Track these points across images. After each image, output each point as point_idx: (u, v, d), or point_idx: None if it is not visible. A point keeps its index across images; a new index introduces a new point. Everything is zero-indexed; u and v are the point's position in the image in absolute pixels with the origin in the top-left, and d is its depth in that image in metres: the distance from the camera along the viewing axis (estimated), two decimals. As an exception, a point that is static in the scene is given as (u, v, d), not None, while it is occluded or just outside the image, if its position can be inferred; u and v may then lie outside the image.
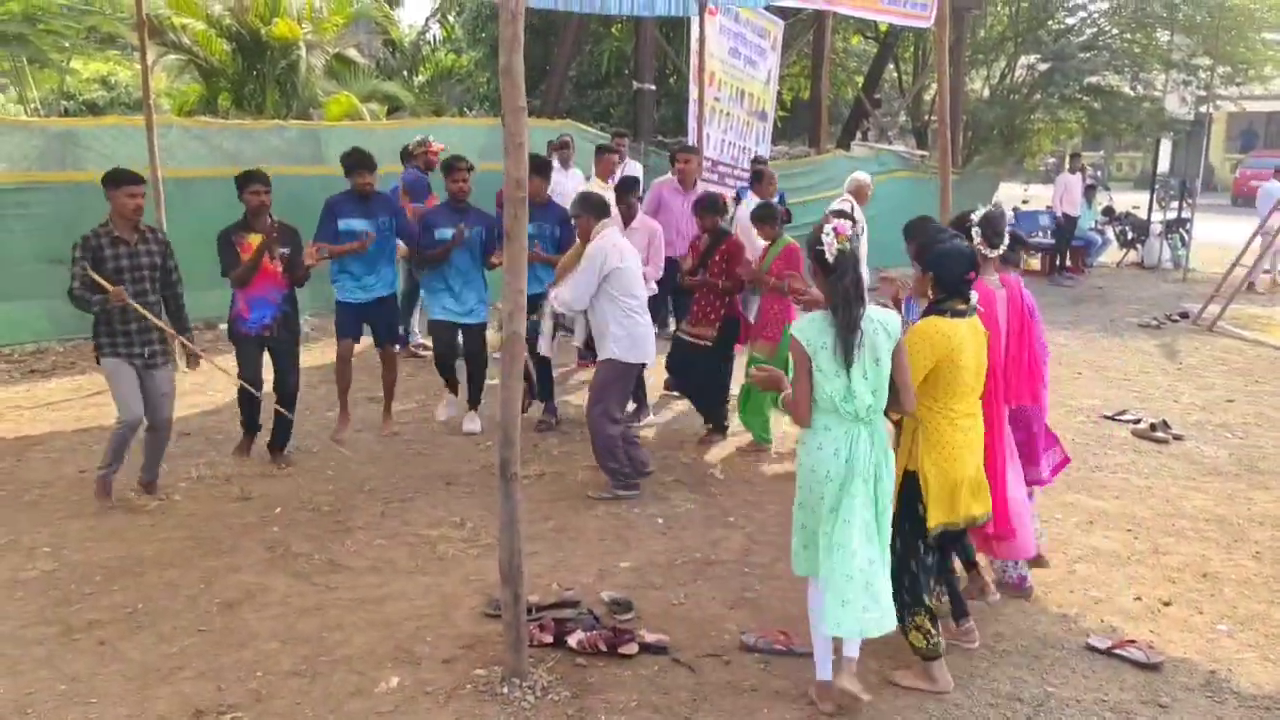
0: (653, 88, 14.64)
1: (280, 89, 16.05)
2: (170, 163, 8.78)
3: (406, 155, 9.10)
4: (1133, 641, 4.19)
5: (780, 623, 4.34)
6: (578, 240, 6.02)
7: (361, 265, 6.57)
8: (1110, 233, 17.33)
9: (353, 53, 18.23)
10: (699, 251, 6.91)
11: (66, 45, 15.75)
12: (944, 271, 3.79)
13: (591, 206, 5.86)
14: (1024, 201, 18.53)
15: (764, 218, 6.81)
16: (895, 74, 22.60)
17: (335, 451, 6.55)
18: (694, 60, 12.12)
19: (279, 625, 4.26)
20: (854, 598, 3.47)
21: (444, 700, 3.71)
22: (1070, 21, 21.92)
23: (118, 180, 5.36)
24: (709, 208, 6.87)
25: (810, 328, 3.57)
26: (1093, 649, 4.18)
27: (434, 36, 22.72)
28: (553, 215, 7.08)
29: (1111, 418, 7.81)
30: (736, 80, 13.14)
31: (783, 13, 13.91)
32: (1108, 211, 17.45)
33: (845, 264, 3.52)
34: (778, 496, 6.00)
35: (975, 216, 4.31)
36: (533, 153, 6.16)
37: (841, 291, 3.49)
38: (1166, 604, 4.67)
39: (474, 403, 7.13)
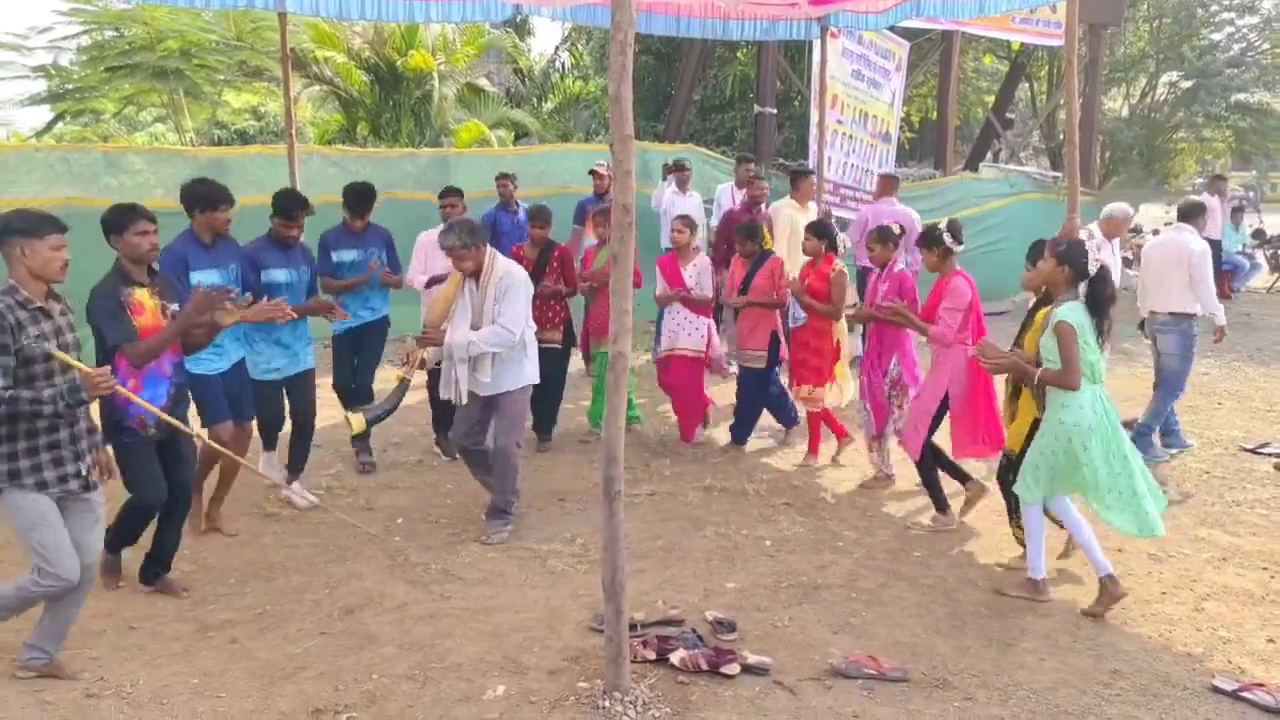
0: (773, 111, 14.66)
1: (415, 118, 16.69)
2: (310, 189, 9.22)
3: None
4: (1262, 685, 3.98)
5: (886, 649, 4.29)
6: (452, 272, 5.61)
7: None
8: (1260, 256, 16.48)
9: (483, 81, 18.82)
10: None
11: (219, 78, 16.73)
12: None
13: (480, 234, 5.47)
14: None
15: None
16: (1028, 93, 22.04)
17: (454, 467, 6.76)
18: (815, 83, 12.10)
19: (395, 631, 4.43)
20: (1148, 505, 4.73)
21: (547, 710, 3.80)
22: (1216, 37, 21.03)
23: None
24: (541, 218, 7.19)
25: (1074, 314, 4.64)
26: (1218, 690, 4.00)
27: (563, 64, 23.27)
28: (378, 239, 6.80)
29: (1253, 450, 7.43)
30: (859, 102, 13.04)
31: (908, 34, 13.76)
32: (1258, 234, 16.63)
33: (1104, 273, 4.74)
34: (889, 522, 5.93)
35: (942, 224, 5.82)
36: (359, 182, 6.87)
37: (1104, 290, 4.74)
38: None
39: (297, 469, 6.16)
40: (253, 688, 3.95)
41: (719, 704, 3.87)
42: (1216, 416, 8.45)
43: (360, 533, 5.55)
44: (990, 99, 21.33)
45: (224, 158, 10.25)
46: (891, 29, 12.53)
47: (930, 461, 5.85)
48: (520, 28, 21.52)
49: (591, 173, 9.84)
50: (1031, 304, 5.53)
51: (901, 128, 15.28)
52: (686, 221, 7.41)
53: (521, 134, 18.44)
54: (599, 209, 7.61)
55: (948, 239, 5.72)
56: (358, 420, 5.67)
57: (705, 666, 4.08)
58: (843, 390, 7.04)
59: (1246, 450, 7.44)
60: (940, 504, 5.87)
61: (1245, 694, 3.93)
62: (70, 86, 16.30)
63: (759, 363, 7.10)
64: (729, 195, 10.37)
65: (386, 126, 16.72)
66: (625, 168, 3.58)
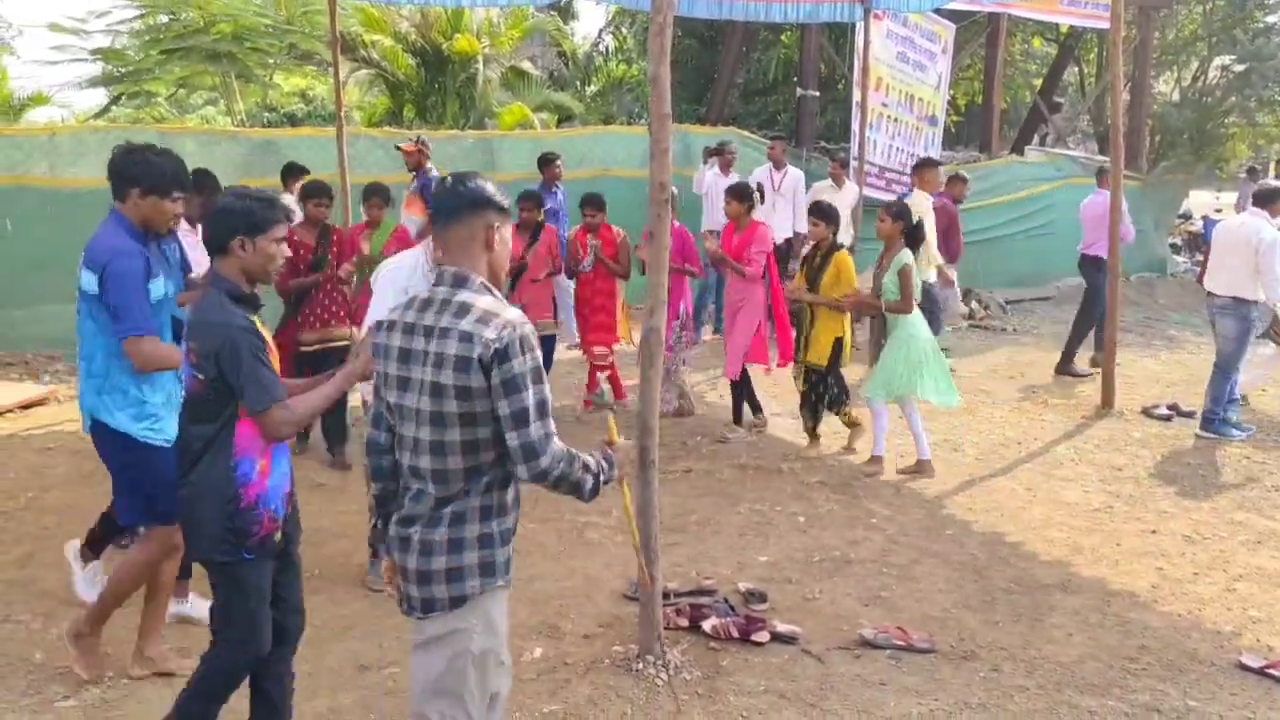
0: (816, 94, 14.64)
1: (460, 101, 16.84)
2: (358, 170, 9.43)
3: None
4: (1289, 662, 4.03)
5: (915, 622, 4.38)
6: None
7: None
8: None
9: (527, 65, 18.92)
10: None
11: (270, 62, 16.98)
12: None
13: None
14: (1217, 210, 17.53)
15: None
16: (1077, 77, 21.74)
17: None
18: (858, 65, 12.09)
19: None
20: (951, 388, 6.38)
21: (583, 671, 3.94)
22: (1270, 20, 20.57)
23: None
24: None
25: (909, 258, 6.27)
26: (1244, 667, 4.04)
27: (606, 47, 23.30)
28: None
29: (1295, 437, 7.38)
30: (905, 85, 13.00)
31: (955, 16, 13.66)
32: (1311, 220, 16.29)
33: (921, 223, 6.60)
34: (922, 501, 5.99)
35: (751, 183, 7.37)
36: (200, 168, 5.69)
37: (916, 234, 6.47)
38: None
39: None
40: (304, 646, 4.11)
41: (748, 669, 3.98)
42: (1260, 402, 8.38)
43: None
44: (1038, 82, 21.05)
45: (275, 139, 10.48)
46: (937, 11, 12.47)
47: (746, 380, 7.27)
48: (564, 11, 21.58)
49: (399, 149, 8.55)
50: (811, 251, 6.82)
51: (947, 111, 15.17)
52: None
53: (565, 117, 18.53)
54: (413, 189, 7.57)
55: (756, 196, 7.25)
56: None
57: (736, 634, 4.19)
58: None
59: (1289, 436, 7.39)
60: (756, 407, 7.36)
61: (1272, 670, 3.97)
62: (126, 69, 16.64)
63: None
64: (767, 177, 10.46)
65: (432, 109, 16.89)
66: (662, 146, 3.68)
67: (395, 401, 2.52)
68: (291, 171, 7.86)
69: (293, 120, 21.70)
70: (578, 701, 3.74)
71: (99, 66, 16.56)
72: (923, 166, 9.03)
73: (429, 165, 8.35)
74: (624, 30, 22.46)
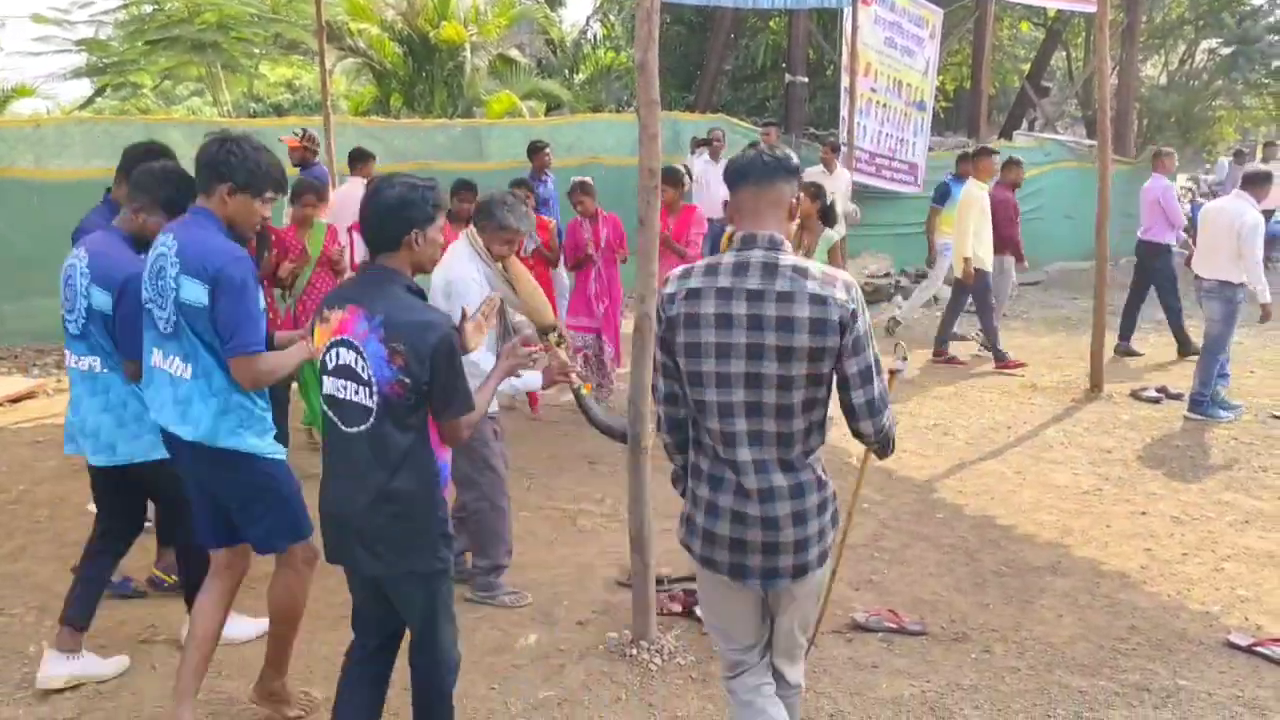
0: (804, 80, 14.64)
1: (447, 89, 16.81)
2: (346, 160, 9.41)
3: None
4: (1277, 640, 4.06)
5: (907, 605, 4.40)
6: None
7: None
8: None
9: (515, 53, 18.88)
10: None
11: (255, 51, 16.93)
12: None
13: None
14: (1204, 194, 17.57)
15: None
16: (1065, 61, 21.77)
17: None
18: (847, 51, 12.09)
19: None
20: None
21: (577, 658, 3.96)
22: (1257, 2, 20.64)
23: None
24: None
25: (830, 234, 6.58)
26: (1233, 646, 4.07)
27: (594, 35, 23.25)
28: None
29: (1281, 417, 7.44)
30: (893, 71, 13.00)
31: (942, 0, 13.67)
32: (1298, 203, 16.34)
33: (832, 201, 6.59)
34: (912, 485, 6.02)
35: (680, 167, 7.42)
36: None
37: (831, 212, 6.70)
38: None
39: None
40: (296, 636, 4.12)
41: (742, 654, 4.00)
42: (1248, 384, 8.43)
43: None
44: (1026, 67, 21.10)
45: (262, 130, 10.42)
46: (924, -4, 12.49)
47: None
48: (552, -1, 21.56)
49: (281, 141, 8.05)
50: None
51: (936, 96, 15.17)
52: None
53: (553, 105, 18.51)
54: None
55: (687, 180, 7.54)
56: None
57: (729, 619, 4.20)
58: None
59: (1276, 418, 7.44)
60: None
61: (1259, 648, 4.01)
62: (110, 60, 16.55)
63: None
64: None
65: (420, 98, 16.86)
66: (651, 132, 3.68)
67: (714, 369, 2.46)
68: (362, 157, 8.00)
69: (279, 110, 21.61)
70: (572, 687, 3.76)
71: (83, 57, 16.48)
72: (978, 155, 9.10)
73: (316, 160, 8.03)
74: (611, 17, 22.42)
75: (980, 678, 3.85)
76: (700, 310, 2.46)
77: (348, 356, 2.74)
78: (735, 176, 2.57)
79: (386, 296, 2.74)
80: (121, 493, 3.85)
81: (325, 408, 2.84)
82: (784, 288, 2.41)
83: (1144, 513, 5.59)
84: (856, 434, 2.58)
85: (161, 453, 3.44)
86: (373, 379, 2.69)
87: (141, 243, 3.53)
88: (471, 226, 4.30)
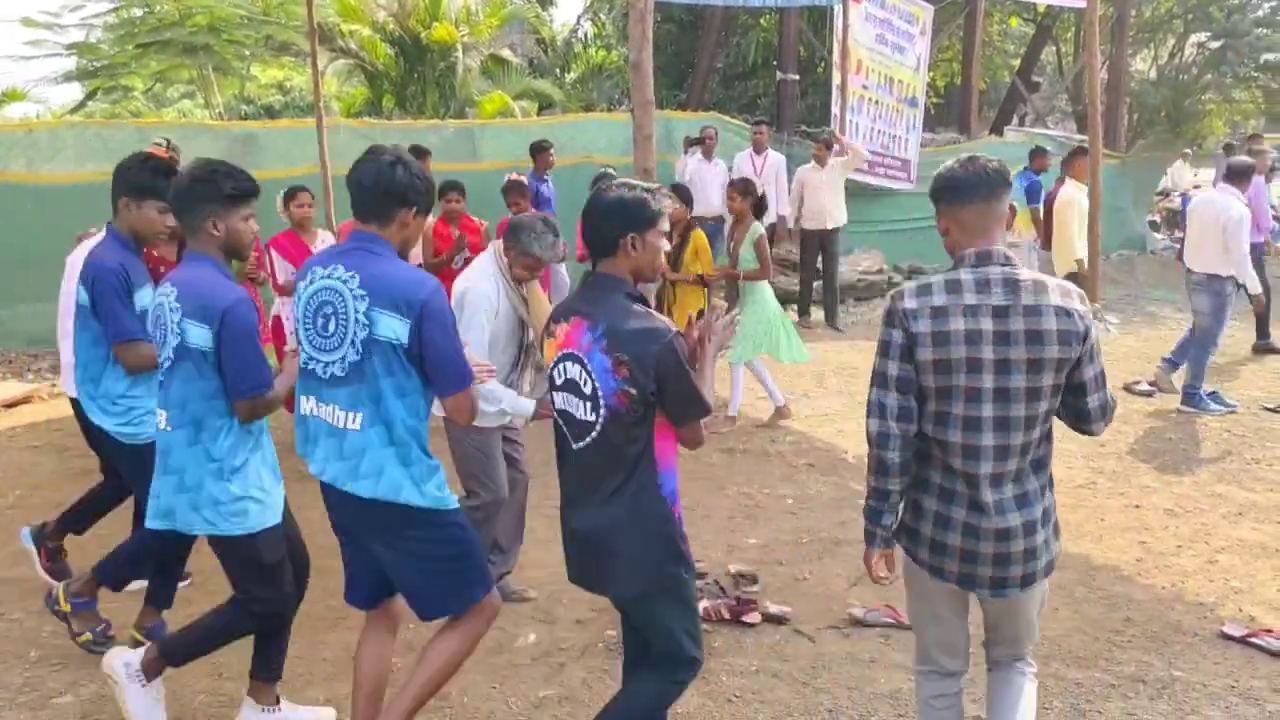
0: (796, 78, 14.67)
1: (439, 90, 16.80)
2: (339, 161, 9.39)
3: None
4: (1270, 631, 4.09)
5: (903, 600, 4.42)
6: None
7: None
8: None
9: (506, 53, 18.89)
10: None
11: (247, 54, 16.90)
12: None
13: None
14: (1195, 187, 17.64)
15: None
16: (1055, 56, 21.82)
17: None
18: (837, 48, 12.12)
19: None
20: (799, 345, 6.99)
21: (577, 656, 3.98)
22: (1245, -4, 20.75)
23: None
24: None
25: (761, 229, 6.97)
26: (1227, 637, 4.11)
27: (585, 34, 23.26)
28: None
29: (1273, 410, 7.48)
30: (884, 67, 13.04)
31: (932, -3, 13.72)
32: (1287, 196, 16.42)
33: (764, 197, 7.09)
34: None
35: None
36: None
37: (763, 207, 7.13)
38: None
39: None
40: (298, 637, 4.10)
41: (741, 650, 4.03)
42: (1240, 376, 8.48)
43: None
44: (1016, 63, 21.15)
45: (255, 131, 10.44)
46: (914, -7, 12.52)
47: None
48: (543, -2, 21.57)
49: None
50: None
51: (927, 92, 15.21)
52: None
53: (545, 104, 18.51)
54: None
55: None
56: None
57: (728, 616, 4.24)
58: None
59: (1268, 409, 7.49)
60: None
61: (1254, 639, 4.04)
62: (101, 64, 16.51)
63: None
64: (748, 162, 10.50)
65: (412, 99, 16.85)
66: (645, 133, 3.72)
67: (964, 384, 2.50)
68: (419, 154, 7.88)
69: (271, 112, 21.59)
70: (573, 685, 3.78)
71: (74, 61, 16.44)
72: (1075, 155, 9.04)
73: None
74: (602, 16, 22.43)
75: (976, 671, 3.86)
76: (949, 328, 2.50)
77: (573, 371, 2.70)
78: (955, 193, 2.60)
79: (608, 306, 2.68)
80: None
81: (558, 420, 2.81)
82: (1029, 302, 2.48)
83: (1138, 506, 5.63)
84: (1086, 433, 2.74)
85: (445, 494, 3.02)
86: (598, 391, 2.64)
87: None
88: (500, 241, 4.27)
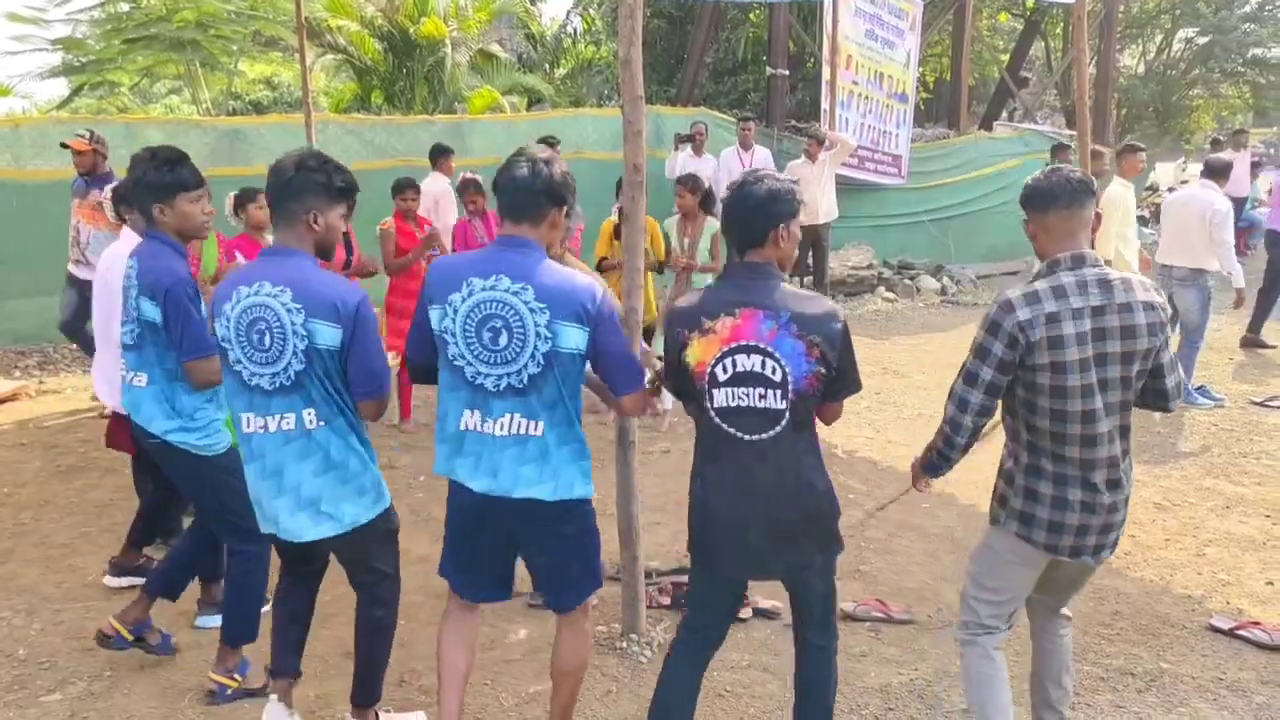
0: (785, 73, 14.65)
1: (428, 85, 16.73)
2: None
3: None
4: (1258, 623, 4.12)
5: (894, 594, 4.44)
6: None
7: None
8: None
9: (495, 48, 18.82)
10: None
11: (234, 49, 16.77)
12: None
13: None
14: (1182, 182, 17.72)
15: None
16: (1044, 51, 21.87)
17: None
18: (827, 43, 12.12)
19: (420, 581, 4.60)
20: None
21: (567, 652, 3.97)
22: (1232, -9, 20.83)
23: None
24: None
25: (717, 223, 6.52)
26: (1215, 629, 4.14)
27: (574, 29, 23.20)
28: None
29: (1262, 404, 7.53)
30: (874, 63, 13.04)
31: (921, -8, 13.72)
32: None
33: (711, 192, 7.04)
34: (897, 475, 6.06)
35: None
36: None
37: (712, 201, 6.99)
38: (1298, 591, 4.55)
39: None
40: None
41: (732, 644, 4.01)
42: (1228, 371, 8.52)
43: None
44: (1005, 58, 21.18)
45: (242, 127, 10.39)
46: (904, -13, 12.52)
47: None
48: (531, -7, 21.49)
49: (65, 145, 7.14)
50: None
51: (916, 88, 15.22)
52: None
53: (534, 100, 18.46)
54: (95, 194, 6.64)
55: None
56: None
57: (719, 611, 4.23)
58: None
59: (1255, 404, 7.54)
60: None
61: (1241, 632, 4.07)
62: (87, 59, 16.39)
63: None
64: (736, 158, 10.50)
65: (400, 94, 16.78)
66: (636, 128, 3.69)
67: (1079, 382, 2.74)
68: (442, 151, 8.24)
69: (259, 108, 21.49)
70: (564, 681, 3.77)
71: (60, 56, 16.32)
72: (1123, 152, 8.96)
73: (107, 166, 7.09)
74: (592, 12, 22.37)
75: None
76: (1062, 332, 2.73)
77: (750, 362, 2.72)
78: (1043, 200, 2.84)
79: (779, 293, 2.75)
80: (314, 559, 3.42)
81: (716, 419, 2.80)
82: (1122, 299, 2.75)
83: (1126, 499, 5.65)
84: (1164, 410, 2.99)
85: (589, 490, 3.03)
86: (788, 378, 2.70)
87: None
88: None
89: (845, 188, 11.78)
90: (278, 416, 2.93)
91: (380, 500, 3.12)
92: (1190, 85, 20.37)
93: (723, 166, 10.43)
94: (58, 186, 8.31)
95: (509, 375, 2.79)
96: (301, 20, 9.02)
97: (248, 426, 2.98)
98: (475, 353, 2.81)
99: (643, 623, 4.03)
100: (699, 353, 2.78)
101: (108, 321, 4.16)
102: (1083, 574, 3.12)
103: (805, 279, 10.88)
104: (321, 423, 2.94)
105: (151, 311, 3.39)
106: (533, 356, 2.77)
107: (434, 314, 2.86)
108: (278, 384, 2.89)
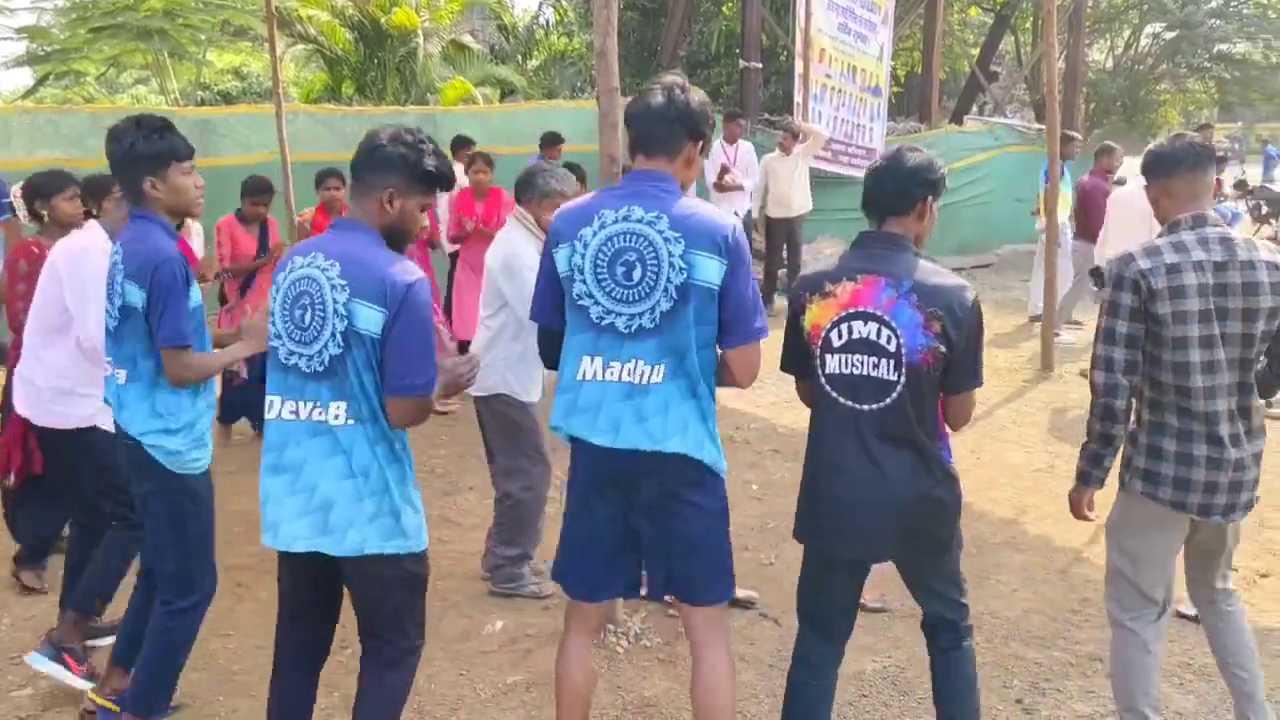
0: (759, 66, 14.68)
1: (400, 76, 16.65)
2: (297, 148, 9.27)
3: None
4: (1223, 610, 4.19)
5: (867, 583, 4.45)
6: None
7: None
8: (1242, 207, 16.63)
9: (468, 39, 18.76)
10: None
11: (203, 38, 16.65)
12: None
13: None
14: (1119, 181, 17.92)
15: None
16: (1014, 46, 22.05)
17: (449, 421, 6.91)
18: (800, 37, 12.16)
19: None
20: None
21: (545, 642, 3.99)
22: (1198, -14, 21.08)
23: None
24: None
25: None
26: (1182, 616, 4.18)
27: (547, 20, 23.15)
28: None
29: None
30: (847, 56, 13.09)
31: (892, -14, 13.79)
32: (1240, 185, 16.75)
33: None
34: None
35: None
36: None
37: None
38: (1264, 576, 4.64)
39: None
40: (257, 626, 4.11)
41: (707, 634, 4.05)
42: (1193, 362, 8.64)
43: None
44: (976, 52, 21.34)
45: (211, 118, 10.28)
46: (876, -18, 12.58)
47: None
48: (504, -16, 21.42)
49: None
50: None
51: (889, 81, 15.31)
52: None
53: (507, 91, 18.42)
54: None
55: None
56: None
57: (694, 600, 4.25)
58: None
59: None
60: None
61: (1207, 618, 4.13)
62: (53, 48, 16.19)
63: None
64: (719, 151, 10.47)
65: (371, 85, 16.69)
66: (611, 120, 3.71)
67: (1199, 333, 2.79)
68: (462, 144, 8.33)
69: (227, 98, 21.28)
70: (540, 671, 3.78)
71: (24, 46, 16.10)
72: (1101, 153, 9.07)
73: None
74: (564, 3, 22.32)
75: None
76: (1183, 282, 2.79)
77: (866, 329, 2.66)
78: (1163, 165, 2.97)
79: (906, 263, 2.70)
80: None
81: (826, 386, 2.74)
82: (1244, 258, 2.81)
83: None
84: None
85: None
86: (902, 349, 2.63)
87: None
88: (518, 206, 4.28)
89: (819, 180, 11.83)
90: (310, 404, 2.59)
91: (402, 535, 2.64)
92: (1157, 80, 20.62)
93: (711, 161, 10.45)
94: (22, 178, 8.20)
95: (641, 314, 2.58)
96: (271, 9, 8.95)
97: (275, 411, 2.64)
98: (607, 289, 2.60)
99: (619, 613, 4.05)
100: (816, 315, 2.73)
101: (45, 311, 3.78)
102: (1218, 539, 3.06)
103: (781, 271, 10.92)
104: (350, 420, 2.57)
105: (136, 296, 3.02)
106: (665, 290, 2.55)
107: (561, 255, 2.65)
108: (313, 368, 2.57)
